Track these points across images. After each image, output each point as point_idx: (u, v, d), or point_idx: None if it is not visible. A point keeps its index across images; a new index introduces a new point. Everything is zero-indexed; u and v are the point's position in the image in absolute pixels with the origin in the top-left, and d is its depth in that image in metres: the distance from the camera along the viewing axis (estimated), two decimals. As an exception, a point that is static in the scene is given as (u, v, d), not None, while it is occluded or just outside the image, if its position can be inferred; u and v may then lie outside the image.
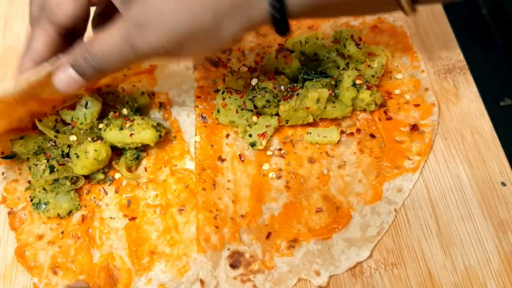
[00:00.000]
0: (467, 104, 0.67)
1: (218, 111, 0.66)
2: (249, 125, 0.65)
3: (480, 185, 0.62)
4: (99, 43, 0.51)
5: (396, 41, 0.71)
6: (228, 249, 0.59)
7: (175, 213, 0.61)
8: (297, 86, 0.66)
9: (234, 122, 0.65)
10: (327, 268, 0.57)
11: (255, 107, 0.66)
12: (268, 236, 0.59)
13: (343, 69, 0.67)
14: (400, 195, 0.61)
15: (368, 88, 0.65)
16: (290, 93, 0.65)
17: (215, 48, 0.53)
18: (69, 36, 0.57)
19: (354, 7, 0.53)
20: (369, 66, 0.67)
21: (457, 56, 0.71)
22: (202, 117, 0.67)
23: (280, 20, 0.49)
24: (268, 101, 0.65)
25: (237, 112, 0.65)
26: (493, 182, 0.62)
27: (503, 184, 0.62)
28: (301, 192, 0.62)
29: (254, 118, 0.65)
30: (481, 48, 0.72)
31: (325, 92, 0.63)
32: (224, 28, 0.49)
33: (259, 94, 0.65)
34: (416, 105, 0.66)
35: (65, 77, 0.53)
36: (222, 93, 0.66)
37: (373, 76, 0.67)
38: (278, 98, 0.65)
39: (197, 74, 0.69)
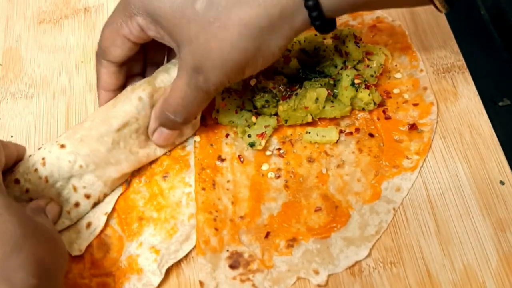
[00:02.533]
0: (465, 104, 0.67)
1: (218, 111, 0.66)
2: (248, 125, 0.65)
3: (479, 184, 0.62)
4: (174, 100, 0.58)
5: (395, 40, 0.72)
6: (227, 251, 0.59)
7: (159, 180, 0.63)
8: (296, 86, 0.66)
9: (233, 122, 0.65)
10: (326, 267, 0.57)
11: (254, 107, 0.66)
12: (267, 235, 0.59)
13: (341, 68, 0.67)
14: (399, 194, 0.61)
15: (367, 87, 0.65)
16: (289, 93, 0.65)
17: (270, 63, 0.57)
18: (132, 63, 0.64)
19: (387, 2, 0.58)
20: (368, 66, 0.67)
21: (455, 55, 0.71)
22: (202, 117, 0.67)
23: (320, 24, 0.53)
24: (267, 101, 0.65)
25: (236, 112, 0.65)
26: (492, 181, 0.62)
27: (502, 183, 0.62)
28: (300, 192, 0.62)
29: (253, 118, 0.65)
30: (480, 48, 0.72)
31: (323, 92, 0.64)
32: (272, 46, 0.54)
33: (258, 94, 0.65)
34: (415, 104, 0.66)
35: (161, 135, 0.61)
36: (222, 93, 0.66)
37: (372, 76, 0.67)
38: (277, 98, 0.65)
39: None
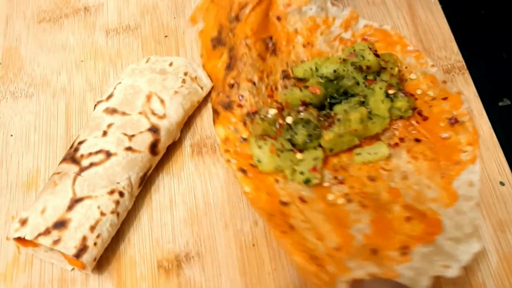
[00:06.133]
0: (466, 104, 0.68)
1: (259, 161, 0.62)
2: (294, 165, 0.61)
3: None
4: None
5: (392, 44, 0.70)
6: (343, 281, 0.54)
7: None
8: (331, 112, 0.64)
9: (279, 166, 0.62)
10: (451, 263, 0.54)
11: (293, 144, 0.63)
12: (375, 252, 0.56)
13: (364, 83, 0.65)
14: (473, 188, 0.59)
15: (405, 95, 0.63)
16: (327, 121, 0.63)
17: None
18: None
19: None
20: (392, 74, 0.66)
21: (455, 56, 0.71)
22: (242, 170, 0.63)
23: None
24: (309, 135, 0.62)
25: (278, 156, 0.62)
26: (492, 181, 0.62)
27: (502, 183, 0.62)
28: (380, 207, 0.59)
29: (299, 155, 0.62)
30: (480, 48, 0.72)
31: (364, 111, 0.62)
32: None
33: (298, 130, 0.62)
34: (444, 99, 0.65)
35: None
36: (255, 141, 0.63)
37: (397, 83, 0.65)
38: (319, 130, 0.62)
39: (217, 128, 0.66)
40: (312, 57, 0.70)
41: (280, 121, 0.63)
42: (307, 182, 0.61)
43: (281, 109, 0.65)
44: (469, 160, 0.61)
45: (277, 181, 0.62)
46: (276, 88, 0.68)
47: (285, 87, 0.68)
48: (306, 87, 0.65)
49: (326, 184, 0.62)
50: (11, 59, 0.76)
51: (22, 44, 0.78)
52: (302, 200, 0.60)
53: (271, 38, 0.71)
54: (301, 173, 0.61)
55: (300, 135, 0.62)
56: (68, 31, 0.78)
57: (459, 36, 0.72)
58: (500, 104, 0.68)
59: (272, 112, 0.64)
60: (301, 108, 0.63)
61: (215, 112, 0.66)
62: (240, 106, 0.66)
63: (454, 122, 0.64)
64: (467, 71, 0.70)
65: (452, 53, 0.71)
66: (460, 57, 0.71)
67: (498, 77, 0.70)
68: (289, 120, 0.63)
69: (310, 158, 0.62)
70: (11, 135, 0.70)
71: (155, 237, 0.62)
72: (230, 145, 0.64)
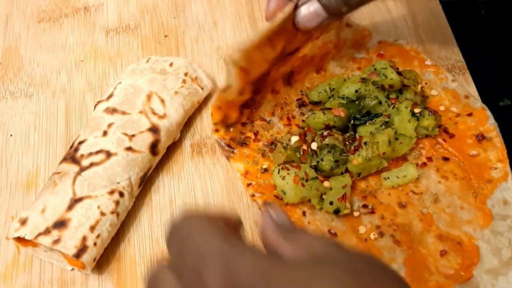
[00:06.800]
0: (466, 104, 0.67)
1: (284, 193, 0.60)
2: (321, 194, 0.60)
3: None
4: None
5: (409, 60, 0.69)
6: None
7: None
8: (356, 135, 0.62)
9: (305, 197, 0.60)
10: None
11: (317, 171, 0.61)
12: None
13: (386, 102, 0.64)
14: (509, 207, 0.59)
15: (432, 113, 0.62)
16: (352, 144, 0.61)
17: None
18: None
19: None
20: (415, 92, 0.64)
21: (456, 56, 0.71)
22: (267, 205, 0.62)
23: None
24: (336, 160, 0.60)
25: (303, 185, 0.59)
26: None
27: None
28: (413, 241, 0.58)
29: (326, 183, 0.60)
30: (480, 48, 0.73)
31: (391, 132, 0.61)
32: None
33: (324, 156, 0.61)
34: (469, 114, 0.64)
35: (309, 11, 0.53)
36: (278, 172, 0.60)
37: (422, 101, 0.64)
38: (345, 154, 0.61)
39: (234, 163, 0.65)
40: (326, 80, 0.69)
41: (304, 147, 0.62)
42: (336, 212, 0.59)
43: (303, 135, 0.63)
44: (500, 177, 0.60)
45: (304, 213, 0.60)
46: (294, 117, 0.67)
47: (303, 114, 0.67)
48: (329, 109, 0.64)
49: (356, 213, 0.60)
50: (11, 59, 0.76)
51: (22, 44, 0.78)
52: (333, 233, 0.59)
53: (292, 72, 0.69)
54: (331, 203, 0.59)
55: (327, 162, 0.61)
56: (68, 31, 0.78)
57: (459, 36, 0.72)
58: (501, 104, 0.68)
59: (294, 139, 0.62)
60: (325, 133, 0.61)
61: (229, 147, 0.65)
62: (256, 140, 0.65)
63: (481, 138, 0.62)
64: (467, 71, 0.70)
65: (453, 53, 0.71)
66: (460, 57, 0.71)
67: (498, 77, 0.70)
68: (314, 146, 0.61)
69: (339, 186, 0.60)
70: (11, 135, 0.69)
71: (155, 237, 0.61)
72: (251, 178, 0.63)
